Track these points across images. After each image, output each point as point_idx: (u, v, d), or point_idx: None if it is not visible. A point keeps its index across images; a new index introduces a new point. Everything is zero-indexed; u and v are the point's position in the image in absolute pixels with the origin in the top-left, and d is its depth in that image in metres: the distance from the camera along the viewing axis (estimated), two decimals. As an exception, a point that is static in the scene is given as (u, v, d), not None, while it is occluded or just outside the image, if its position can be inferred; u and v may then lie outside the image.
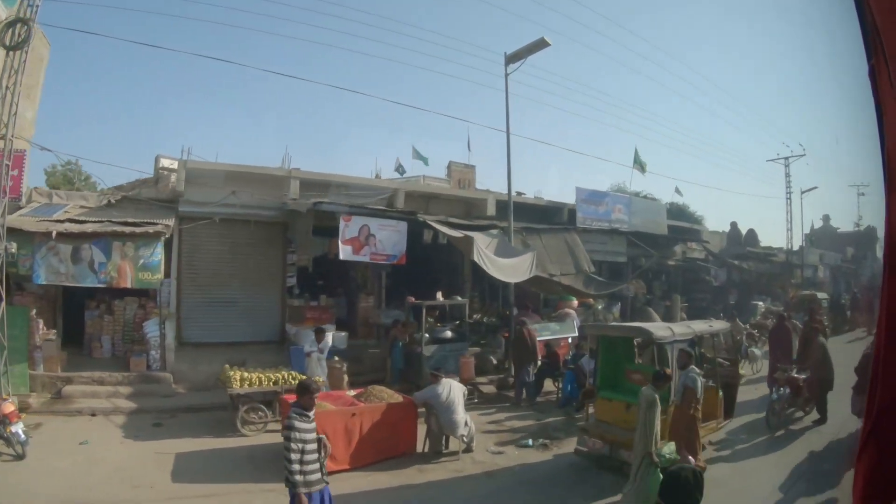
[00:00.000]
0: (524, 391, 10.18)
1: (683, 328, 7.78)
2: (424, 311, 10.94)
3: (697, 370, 6.68)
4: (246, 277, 12.60)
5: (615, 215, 15.71)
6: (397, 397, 7.90)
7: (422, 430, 7.87)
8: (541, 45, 11.93)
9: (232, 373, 8.67)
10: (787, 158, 25.82)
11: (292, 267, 12.75)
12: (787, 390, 8.97)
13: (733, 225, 27.55)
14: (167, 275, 12.37)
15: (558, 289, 11.94)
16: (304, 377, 8.40)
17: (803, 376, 9.10)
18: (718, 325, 9.03)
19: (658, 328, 7.46)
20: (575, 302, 14.62)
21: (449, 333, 11.18)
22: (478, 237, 10.20)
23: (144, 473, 6.64)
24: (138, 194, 12.75)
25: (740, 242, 26.03)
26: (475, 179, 21.13)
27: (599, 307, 14.96)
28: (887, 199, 1.11)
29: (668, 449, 5.80)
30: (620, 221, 15.90)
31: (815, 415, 9.19)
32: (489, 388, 11.69)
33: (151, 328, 11.53)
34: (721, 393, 8.15)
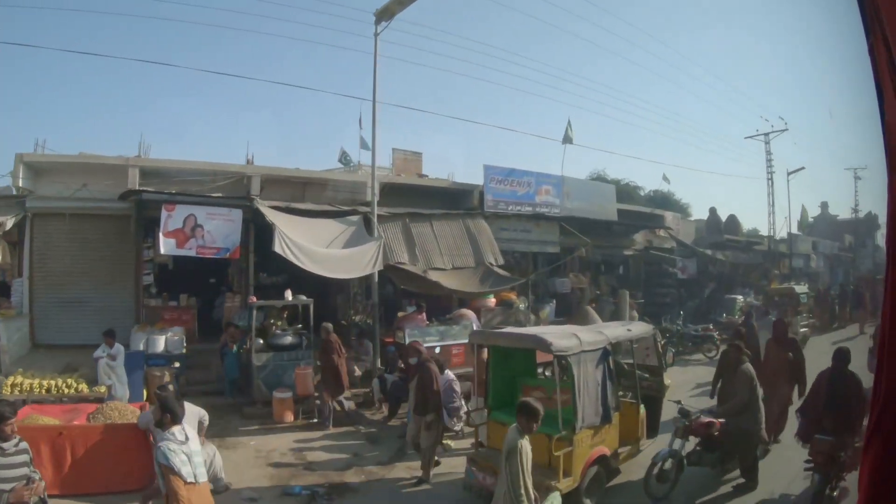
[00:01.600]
0: (329, 413, 7.87)
1: (593, 335, 5.90)
2: (255, 311, 8.80)
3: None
4: (98, 276, 11.06)
5: (541, 198, 12.97)
6: (133, 418, 6.15)
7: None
8: (412, -6, 9.43)
9: (10, 378, 7.78)
10: (767, 134, 21.70)
11: (149, 264, 10.89)
12: (690, 442, 5.90)
13: (712, 211, 23.81)
14: (19, 273, 11.06)
15: (429, 285, 9.43)
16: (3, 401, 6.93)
17: (720, 421, 5.89)
18: (639, 328, 7.13)
19: (560, 336, 5.59)
20: (492, 300, 12.04)
21: (289, 339, 8.92)
22: (292, 223, 7.89)
23: None
24: (-6, 192, 11.33)
25: (720, 230, 22.16)
26: (422, 165, 18.68)
27: (522, 306, 12.24)
28: (889, 178, 1.00)
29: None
30: (549, 205, 13.10)
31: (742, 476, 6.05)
32: (349, 405, 9.35)
33: (-21, 328, 10.00)
34: (643, 409, 6.45)
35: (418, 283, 9.51)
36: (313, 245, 8.09)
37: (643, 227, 16.56)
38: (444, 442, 7.45)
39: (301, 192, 11.22)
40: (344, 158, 18.71)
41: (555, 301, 13.77)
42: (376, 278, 9.48)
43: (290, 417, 8.61)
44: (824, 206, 37.88)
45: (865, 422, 3.02)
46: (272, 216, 8.57)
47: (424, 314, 11.09)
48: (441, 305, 12.90)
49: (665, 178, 20.87)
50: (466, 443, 7.39)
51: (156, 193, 8.86)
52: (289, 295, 9.70)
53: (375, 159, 10.13)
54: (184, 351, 9.78)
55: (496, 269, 11.03)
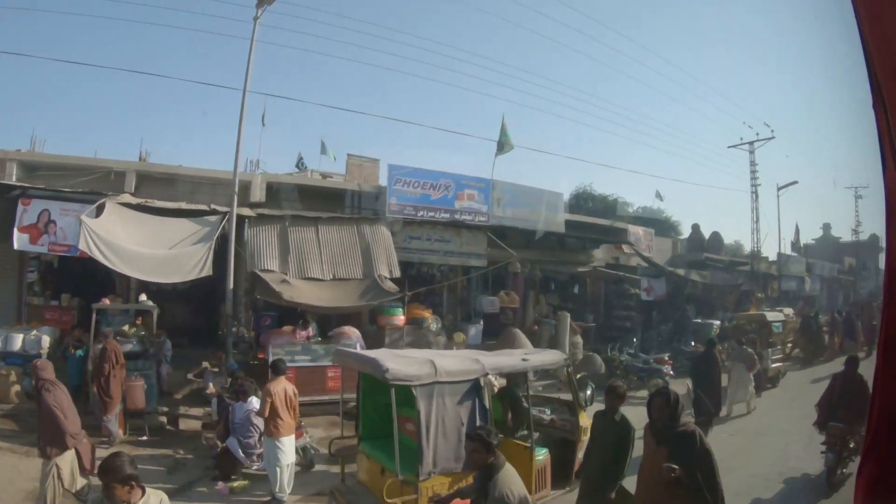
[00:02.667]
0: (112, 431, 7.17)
1: (462, 363, 5.14)
2: (95, 315, 8.30)
3: None
4: (-15, 271, 10.84)
5: (463, 203, 11.88)
6: None
7: None
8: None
9: None
10: (751, 143, 19.72)
11: (34, 261, 10.71)
12: None
13: (695, 228, 21.90)
14: None
15: (273, 294, 8.63)
16: None
17: None
18: (543, 357, 6.24)
19: (408, 362, 4.97)
20: (400, 318, 11.10)
21: (130, 347, 8.41)
22: (136, 222, 7.36)
23: None
24: None
25: (703, 248, 20.08)
26: (378, 172, 18.01)
27: (433, 326, 11.19)
28: (888, 230, 1.09)
29: None
30: (473, 212, 12.00)
31: None
32: (194, 424, 8.68)
33: None
34: (544, 454, 5.54)
35: (271, 294, 8.73)
36: (136, 245, 7.51)
37: (604, 241, 15.04)
38: (234, 485, 6.52)
39: (189, 191, 10.76)
40: (300, 164, 18.48)
41: (482, 322, 12.57)
42: (231, 285, 8.80)
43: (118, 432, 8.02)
44: (826, 227, 36.30)
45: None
46: (113, 212, 8.08)
47: (309, 329, 10.30)
48: (350, 322, 12.04)
49: (658, 195, 19.36)
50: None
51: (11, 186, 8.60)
52: (143, 298, 9.20)
53: (241, 156, 9.50)
54: (41, 352, 9.47)
55: (388, 281, 10.06)
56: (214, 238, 8.19)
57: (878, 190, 1.12)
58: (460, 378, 4.95)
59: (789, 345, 14.85)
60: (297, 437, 7.03)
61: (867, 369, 7.03)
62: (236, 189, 9.07)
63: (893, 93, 1.02)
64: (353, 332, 9.97)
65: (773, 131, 19.76)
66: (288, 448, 6.20)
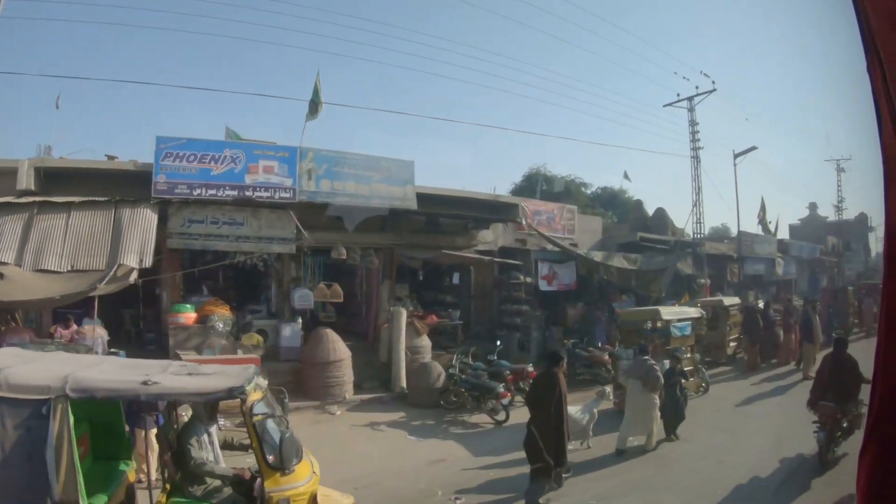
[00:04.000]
0: None
1: (45, 378, 4.01)
2: None
3: None
4: None
5: (256, 177, 10.49)
6: None
7: None
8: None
9: None
10: (690, 99, 16.24)
11: None
12: None
13: (638, 204, 17.88)
14: None
15: None
16: None
17: None
18: (184, 383, 4.21)
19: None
20: (189, 315, 10.31)
21: None
22: None
23: None
24: None
25: (646, 227, 15.65)
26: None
27: (220, 325, 10.08)
28: (886, 195, 1.06)
29: None
30: (273, 187, 10.56)
31: None
32: None
33: None
34: None
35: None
36: None
37: (492, 221, 12.26)
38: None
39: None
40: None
41: (300, 319, 10.99)
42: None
43: None
44: (813, 206, 33.63)
45: (861, 395, 6.65)
46: None
47: (75, 326, 9.81)
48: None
49: (626, 176, 16.63)
50: None
51: None
52: None
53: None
54: None
55: (134, 272, 9.19)
56: None
57: (873, 156, 1.08)
58: (25, 395, 3.84)
59: (732, 345, 10.94)
60: None
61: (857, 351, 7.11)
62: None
63: (891, 44, 0.97)
64: (93, 332, 9.18)
65: (713, 82, 16.16)
66: None
